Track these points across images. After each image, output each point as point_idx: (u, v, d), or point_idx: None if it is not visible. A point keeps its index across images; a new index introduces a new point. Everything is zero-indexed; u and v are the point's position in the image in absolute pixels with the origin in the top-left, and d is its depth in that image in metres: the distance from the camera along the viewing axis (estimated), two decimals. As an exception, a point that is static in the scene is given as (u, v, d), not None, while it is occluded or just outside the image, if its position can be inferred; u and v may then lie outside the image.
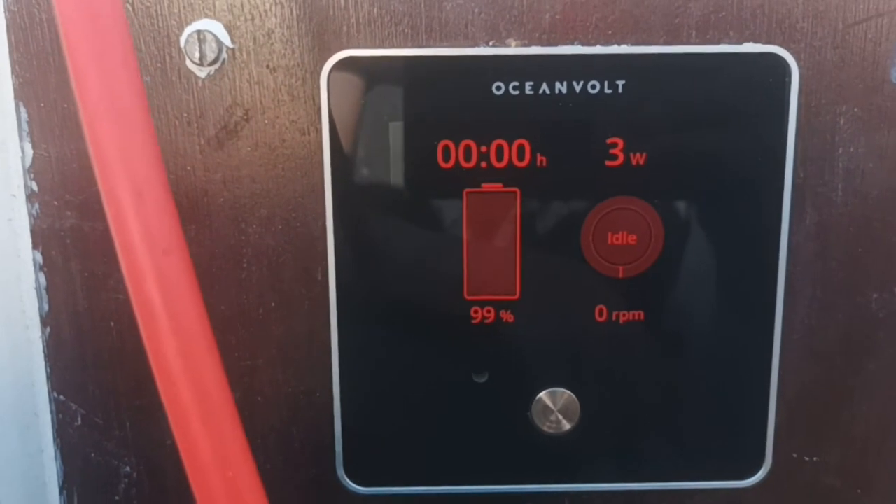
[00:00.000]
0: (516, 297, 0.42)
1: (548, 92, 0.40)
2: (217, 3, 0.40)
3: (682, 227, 0.42)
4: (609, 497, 0.45)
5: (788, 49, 0.41)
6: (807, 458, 0.45)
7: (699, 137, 0.41)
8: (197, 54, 0.40)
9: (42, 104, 0.42)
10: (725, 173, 0.41)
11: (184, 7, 0.40)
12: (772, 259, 0.42)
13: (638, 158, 0.41)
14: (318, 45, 0.41)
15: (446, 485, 0.45)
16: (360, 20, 0.40)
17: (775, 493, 0.45)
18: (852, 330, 0.44)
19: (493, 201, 0.41)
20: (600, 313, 0.43)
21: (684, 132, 0.41)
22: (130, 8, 0.40)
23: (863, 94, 0.41)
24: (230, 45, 0.41)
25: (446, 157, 0.41)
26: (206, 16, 0.40)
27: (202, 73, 0.41)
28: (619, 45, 0.41)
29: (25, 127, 0.42)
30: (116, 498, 0.46)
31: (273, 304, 0.43)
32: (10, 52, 0.41)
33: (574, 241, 0.42)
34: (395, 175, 0.41)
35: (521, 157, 0.41)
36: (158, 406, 0.44)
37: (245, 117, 0.41)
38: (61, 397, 0.45)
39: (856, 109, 0.41)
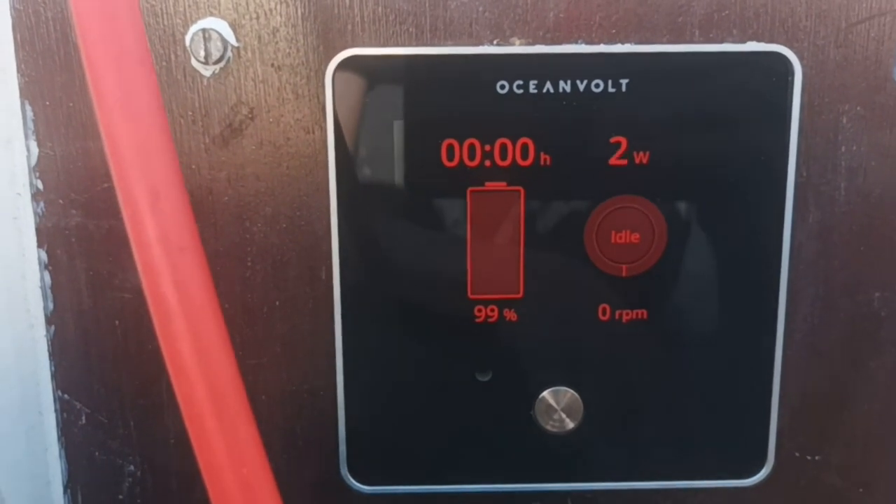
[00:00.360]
0: (520, 295, 0.42)
1: (551, 91, 0.41)
2: (222, 2, 0.40)
3: (685, 225, 0.42)
4: (612, 496, 0.45)
5: (791, 48, 0.41)
6: (809, 457, 0.45)
7: (702, 136, 0.41)
8: (202, 53, 0.40)
9: (47, 103, 0.42)
10: (728, 172, 0.42)
11: (189, 5, 0.40)
12: (774, 258, 0.42)
13: (641, 157, 0.41)
14: (322, 43, 0.41)
15: (450, 484, 0.45)
16: (365, 19, 0.41)
17: (777, 492, 0.45)
18: (854, 329, 0.44)
19: (497, 200, 0.41)
20: (603, 312, 0.43)
21: (687, 131, 0.41)
22: (136, 7, 0.40)
23: (865, 93, 0.41)
24: (235, 44, 0.41)
25: (450, 156, 0.41)
26: (212, 14, 0.40)
27: (207, 71, 0.41)
28: (622, 43, 0.41)
29: (31, 125, 0.42)
30: (121, 496, 0.46)
31: (277, 303, 0.43)
32: (16, 51, 0.41)
33: (577, 239, 0.42)
34: (399, 174, 0.41)
35: (524, 155, 0.41)
36: (163, 405, 0.45)
37: (250, 116, 0.41)
38: (66, 396, 0.45)
39: (858, 108, 0.42)
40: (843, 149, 0.42)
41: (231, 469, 0.29)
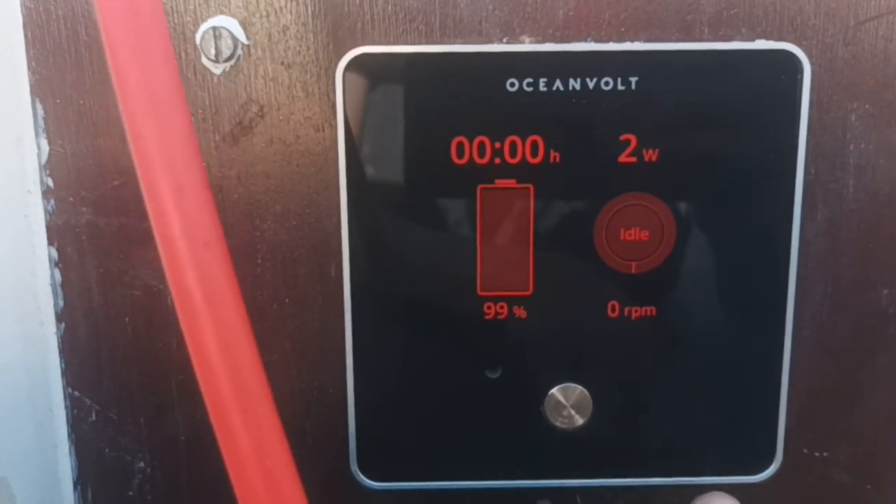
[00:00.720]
0: (529, 293, 0.43)
1: (561, 88, 0.41)
2: (232, 0, 0.40)
3: (694, 223, 0.42)
4: (620, 492, 0.46)
5: (800, 46, 0.41)
6: (817, 454, 0.46)
7: (711, 134, 0.41)
8: (212, 51, 0.41)
9: (58, 100, 0.42)
10: (737, 170, 0.42)
11: (199, 4, 0.41)
12: (783, 255, 0.43)
13: (650, 155, 0.41)
14: (332, 41, 0.41)
15: (459, 480, 0.45)
16: (375, 17, 0.41)
17: (786, 489, 0.46)
18: (863, 326, 0.44)
19: (507, 197, 0.42)
20: (613, 309, 0.43)
21: (696, 129, 0.41)
22: (147, 5, 0.40)
23: (874, 91, 0.42)
24: (245, 42, 0.41)
25: (460, 154, 0.41)
26: (222, 12, 0.41)
27: (217, 69, 0.41)
28: (631, 41, 0.41)
29: (41, 123, 0.42)
30: (130, 493, 0.46)
31: (287, 300, 0.44)
32: (27, 49, 0.41)
33: (587, 237, 0.42)
34: (409, 171, 0.42)
35: (534, 153, 0.41)
36: (173, 402, 0.45)
37: (260, 114, 0.42)
38: (76, 393, 0.45)
39: (867, 106, 0.42)
40: (852, 146, 0.42)
41: (255, 460, 0.29)
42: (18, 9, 0.41)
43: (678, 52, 0.41)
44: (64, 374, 0.45)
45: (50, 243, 0.43)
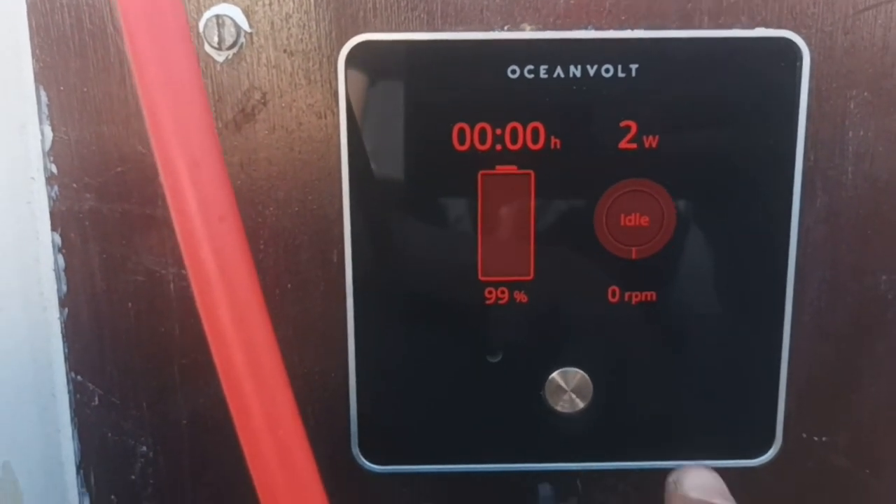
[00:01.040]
0: (530, 277, 0.43)
1: (562, 76, 0.41)
2: (236, -12, 0.41)
3: (693, 209, 0.42)
4: (621, 476, 0.46)
5: (799, 34, 0.41)
6: (816, 439, 0.46)
7: (711, 121, 0.42)
8: (215, 38, 0.41)
9: (62, 88, 0.42)
10: (737, 156, 0.42)
11: (203, -9, 0.41)
12: (782, 241, 0.43)
13: (651, 141, 0.41)
14: (334, 29, 0.41)
15: (460, 464, 0.45)
16: (377, 5, 0.41)
17: (785, 473, 0.46)
18: (862, 312, 0.44)
19: (508, 183, 0.42)
20: (613, 294, 0.43)
21: (696, 116, 0.42)
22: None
23: (873, 79, 0.42)
24: (248, 30, 0.41)
25: (462, 140, 0.41)
26: (225, 0, 0.41)
27: (220, 57, 0.41)
28: (632, 29, 0.41)
29: (45, 110, 0.42)
30: (133, 477, 0.46)
31: (289, 286, 0.44)
32: (31, 37, 0.42)
33: (587, 222, 0.42)
34: (411, 158, 0.42)
35: (535, 139, 0.41)
36: (175, 386, 0.45)
37: (262, 101, 0.42)
38: (79, 377, 0.45)
39: (866, 94, 0.42)
40: (851, 134, 0.42)
41: (268, 431, 0.30)
42: (23, -4, 0.41)
43: (678, 40, 0.41)
44: (67, 358, 0.45)
45: (53, 229, 0.43)
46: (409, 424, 0.45)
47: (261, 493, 0.30)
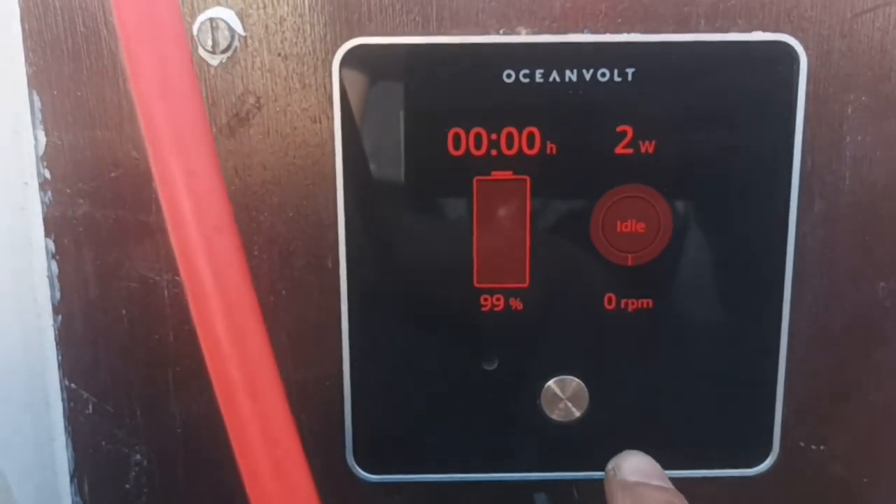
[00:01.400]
0: (526, 285, 0.43)
1: (558, 80, 0.41)
2: (229, -8, 0.41)
3: (690, 214, 0.42)
4: (618, 484, 0.46)
5: (797, 37, 0.41)
6: (814, 447, 0.45)
7: (707, 126, 0.41)
8: (209, 42, 0.41)
9: (55, 92, 0.42)
10: (734, 162, 0.42)
11: (196, -5, 0.41)
12: (780, 247, 0.43)
13: (647, 146, 0.41)
14: (329, 33, 0.41)
15: (456, 472, 0.45)
16: (372, 9, 0.41)
17: (782, 482, 0.46)
18: (859, 318, 0.44)
19: (503, 189, 0.42)
20: (609, 301, 0.43)
21: (693, 120, 0.41)
22: (143, -4, 0.40)
23: (871, 83, 0.42)
24: (242, 33, 0.41)
25: (457, 145, 0.41)
26: (219, 3, 0.41)
27: (214, 60, 0.41)
28: (628, 33, 0.41)
29: (38, 115, 0.42)
30: (127, 486, 0.46)
31: (283, 292, 0.44)
32: (24, 40, 0.41)
33: (583, 229, 0.42)
34: (406, 163, 0.42)
35: (531, 145, 0.41)
36: (169, 394, 0.45)
37: (257, 105, 0.42)
38: (72, 385, 0.45)
39: (864, 98, 0.42)
40: (849, 138, 0.42)
41: (265, 448, 0.29)
42: (16, 0, 0.41)
43: (675, 44, 0.41)
44: (60, 366, 0.45)
45: (47, 235, 0.43)
46: (404, 433, 0.45)
47: (255, 502, 0.30)
